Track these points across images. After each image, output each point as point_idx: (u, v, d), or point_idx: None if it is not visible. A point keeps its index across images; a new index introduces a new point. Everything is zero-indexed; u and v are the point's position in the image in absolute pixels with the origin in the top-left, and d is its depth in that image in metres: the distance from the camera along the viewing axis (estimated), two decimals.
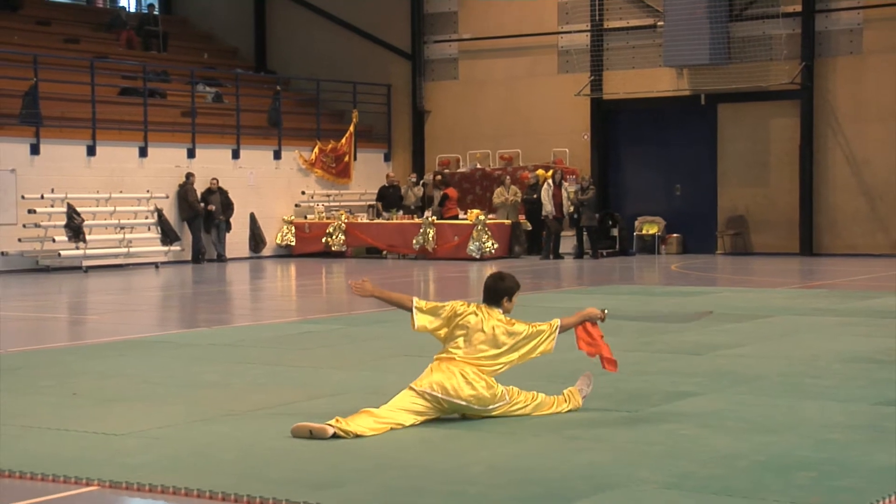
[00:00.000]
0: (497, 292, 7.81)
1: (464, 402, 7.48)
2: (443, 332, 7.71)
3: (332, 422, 7.06)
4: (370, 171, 28.92)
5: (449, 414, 7.53)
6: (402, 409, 7.39)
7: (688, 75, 26.59)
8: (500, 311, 7.76)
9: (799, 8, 25.48)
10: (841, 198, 25.45)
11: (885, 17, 24.99)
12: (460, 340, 7.62)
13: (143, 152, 24.40)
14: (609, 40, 27.38)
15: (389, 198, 27.49)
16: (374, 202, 27.56)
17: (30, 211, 22.04)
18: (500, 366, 7.66)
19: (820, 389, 8.67)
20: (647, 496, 5.79)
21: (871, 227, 25.25)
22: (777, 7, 25.55)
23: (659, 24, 26.40)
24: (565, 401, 7.88)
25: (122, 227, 23.60)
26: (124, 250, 23.49)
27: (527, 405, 7.74)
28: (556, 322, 7.80)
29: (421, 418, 7.41)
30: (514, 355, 7.69)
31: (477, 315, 7.69)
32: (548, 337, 7.75)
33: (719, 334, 11.92)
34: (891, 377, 9.19)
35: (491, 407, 7.58)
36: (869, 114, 25.21)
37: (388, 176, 28.40)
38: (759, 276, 20.88)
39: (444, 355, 7.65)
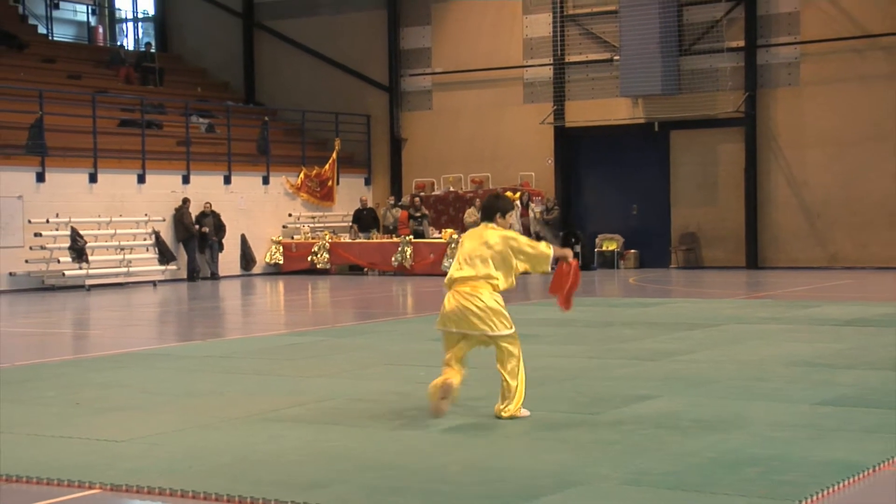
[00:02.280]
0: (491, 209, 7.85)
1: (471, 322, 7.53)
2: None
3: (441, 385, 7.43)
4: (352, 195, 28.87)
5: (473, 335, 7.60)
6: (449, 351, 7.66)
7: (642, 105, 26.69)
8: (495, 225, 7.78)
9: (742, 43, 25.63)
10: (783, 216, 25.56)
11: (820, 51, 25.17)
12: (462, 261, 7.68)
13: (141, 179, 24.28)
14: (570, 73, 27.46)
15: (364, 220, 27.42)
16: (350, 224, 27.48)
17: (36, 234, 21.88)
18: (498, 277, 7.61)
19: (765, 391, 8.68)
20: (608, 492, 5.78)
21: (810, 243, 25.37)
22: (722, 42, 25.69)
23: (615, 58, 26.50)
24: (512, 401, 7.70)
25: (122, 249, 23.46)
26: (124, 270, 23.35)
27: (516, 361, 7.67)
28: (549, 252, 7.74)
29: (464, 346, 7.65)
30: (512, 263, 7.64)
31: (471, 237, 7.77)
32: (545, 261, 7.72)
33: (674, 342, 11.94)
34: (829, 379, 9.23)
35: (498, 327, 7.55)
36: (806, 139, 25.36)
37: (361, 199, 28.35)
38: (709, 288, 20.94)
39: (450, 282, 7.68)
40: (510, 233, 7.79)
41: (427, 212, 26.88)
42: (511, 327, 7.68)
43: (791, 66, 25.48)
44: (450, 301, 7.69)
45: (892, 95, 24.48)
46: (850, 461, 6.26)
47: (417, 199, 27.29)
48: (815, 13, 25.18)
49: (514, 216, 25.08)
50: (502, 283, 7.72)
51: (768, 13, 25.59)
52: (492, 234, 7.72)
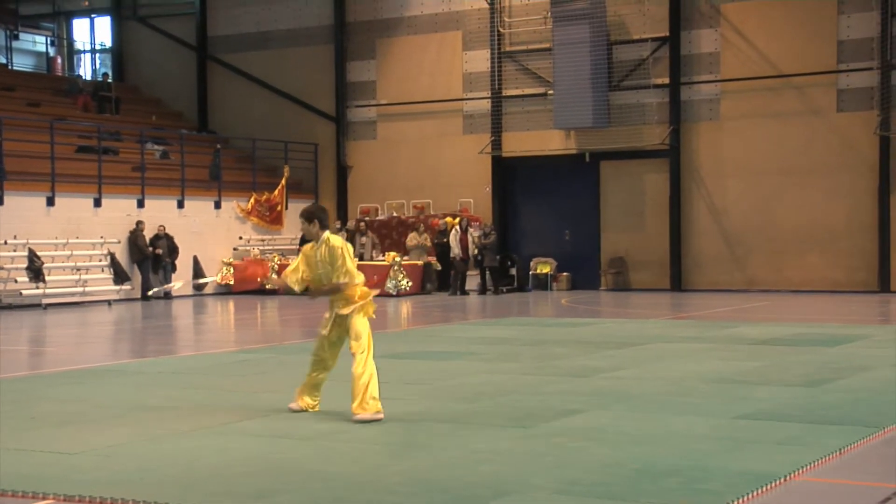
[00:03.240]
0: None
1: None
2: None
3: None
4: (299, 219, 28.71)
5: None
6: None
7: (575, 136, 26.93)
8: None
9: (667, 80, 25.99)
10: (704, 241, 25.90)
11: (739, 89, 25.60)
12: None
13: (97, 203, 23.99)
14: (507, 106, 27.65)
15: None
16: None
17: None
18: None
19: (687, 406, 8.77)
20: (541, 501, 5.80)
21: (730, 267, 25.72)
22: (649, 79, 26.04)
23: (549, 92, 26.74)
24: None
25: (79, 269, 23.13)
26: (80, 289, 23.02)
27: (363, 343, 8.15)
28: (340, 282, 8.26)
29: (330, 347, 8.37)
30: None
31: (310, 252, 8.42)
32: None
33: (602, 359, 12.02)
34: (747, 395, 9.34)
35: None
36: (726, 170, 25.75)
37: None
38: (636, 309, 21.13)
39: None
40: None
41: (372, 235, 26.85)
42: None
43: (712, 102, 25.89)
44: None
45: (802, 130, 24.98)
46: (765, 471, 6.35)
47: (363, 223, 27.26)
48: (735, 54, 25.63)
49: (454, 238, 25.38)
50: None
51: (691, 53, 25.99)
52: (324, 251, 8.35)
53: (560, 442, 7.28)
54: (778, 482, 6.16)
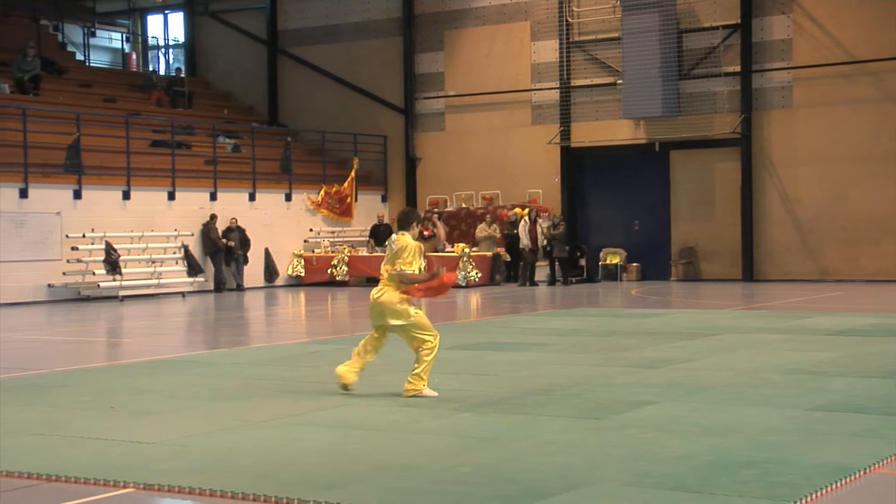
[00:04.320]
0: (404, 220, 9.08)
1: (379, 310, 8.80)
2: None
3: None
4: (369, 211, 28.91)
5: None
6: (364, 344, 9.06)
7: (644, 126, 26.68)
8: (410, 235, 8.89)
9: (738, 68, 25.61)
10: (776, 231, 25.50)
11: (811, 76, 25.14)
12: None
13: (171, 196, 24.36)
14: (575, 96, 27.48)
15: (380, 235, 27.42)
16: (368, 238, 27.53)
17: (73, 248, 21.97)
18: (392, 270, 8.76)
19: (761, 397, 8.65)
20: (612, 493, 5.77)
21: (803, 256, 25.30)
22: (720, 67, 25.68)
23: (618, 82, 26.51)
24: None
25: (153, 262, 23.53)
26: (155, 282, 23.41)
27: (426, 340, 8.65)
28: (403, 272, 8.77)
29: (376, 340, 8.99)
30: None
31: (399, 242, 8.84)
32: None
33: (673, 350, 11.91)
34: (821, 386, 9.19)
35: (396, 317, 8.70)
36: (799, 159, 25.31)
37: (378, 215, 28.39)
38: (707, 300, 20.90)
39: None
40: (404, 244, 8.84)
41: (440, 227, 26.88)
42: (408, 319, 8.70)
43: (784, 89, 25.45)
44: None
45: (876, 117, 24.44)
46: (842, 464, 6.24)
47: (435, 215, 27.31)
48: (807, 40, 25.16)
49: (523, 229, 25.33)
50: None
51: (763, 40, 25.57)
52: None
53: (631, 433, 7.23)
54: (856, 475, 6.04)
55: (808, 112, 25.16)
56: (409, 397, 8.64)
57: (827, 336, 13.10)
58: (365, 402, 8.72)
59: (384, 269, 8.90)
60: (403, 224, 9.09)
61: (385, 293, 8.83)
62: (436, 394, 8.70)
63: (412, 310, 8.83)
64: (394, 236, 9.02)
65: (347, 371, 9.05)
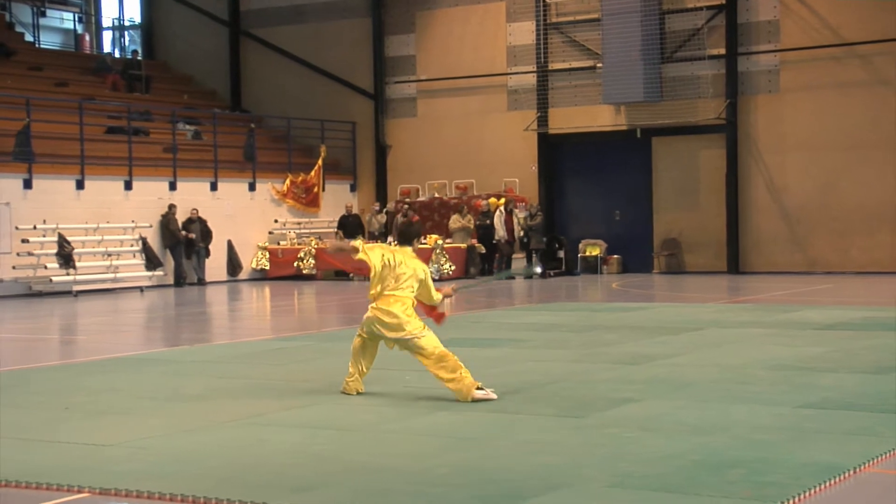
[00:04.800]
0: (409, 235, 9.33)
1: (388, 327, 8.59)
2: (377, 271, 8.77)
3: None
4: (337, 201, 28.85)
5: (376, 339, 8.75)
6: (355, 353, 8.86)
7: (625, 112, 26.76)
8: (412, 249, 8.87)
9: (723, 51, 25.72)
10: (763, 221, 25.65)
11: (799, 59, 25.28)
12: (391, 280, 8.68)
13: (128, 186, 24.21)
14: (553, 80, 27.51)
15: (349, 226, 27.40)
16: (336, 230, 27.47)
17: (23, 241, 21.78)
18: (412, 295, 8.72)
19: (748, 394, 8.70)
20: (594, 494, 5.79)
21: (790, 248, 25.46)
22: (703, 50, 25.77)
23: (598, 65, 26.56)
24: (462, 380, 8.40)
25: (109, 255, 23.37)
26: (111, 276, 23.26)
27: (433, 353, 8.48)
28: (439, 296, 8.98)
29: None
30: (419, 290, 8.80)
31: (396, 257, 8.74)
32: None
33: (656, 346, 11.96)
34: (810, 382, 9.25)
35: (405, 331, 8.53)
36: (786, 145, 25.46)
37: (346, 206, 28.33)
38: (691, 293, 21.00)
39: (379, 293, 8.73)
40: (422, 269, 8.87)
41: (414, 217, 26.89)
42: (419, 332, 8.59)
43: (771, 73, 25.59)
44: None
45: (868, 102, 24.61)
46: (832, 463, 6.29)
47: (406, 205, 27.30)
48: (795, 21, 25.30)
49: (498, 220, 25.37)
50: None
51: (748, 21, 25.69)
52: (419, 267, 8.81)
53: (613, 432, 7.26)
54: (847, 474, 6.09)
55: (795, 96, 25.31)
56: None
57: (816, 330, 13.19)
58: (334, 400, 8.70)
59: (409, 293, 8.67)
60: (407, 239, 9.25)
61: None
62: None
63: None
64: (402, 257, 8.75)
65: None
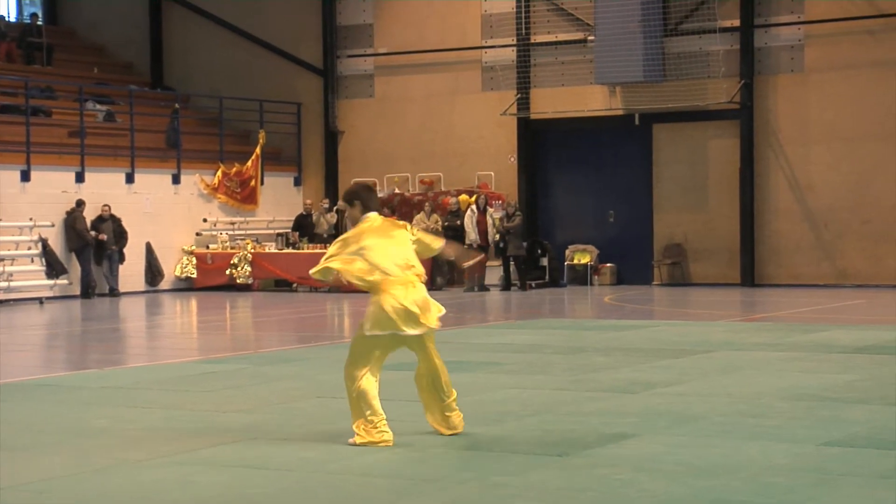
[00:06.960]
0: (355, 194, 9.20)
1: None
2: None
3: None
4: (279, 197, 28.84)
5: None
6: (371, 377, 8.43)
7: (620, 93, 26.90)
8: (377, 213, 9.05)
9: (737, 22, 25.91)
10: (784, 225, 25.85)
11: (827, 32, 25.49)
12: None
13: (25, 176, 24.09)
14: (536, 56, 27.63)
15: (308, 227, 27.40)
16: (291, 231, 27.44)
17: None
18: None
19: (762, 430, 8.77)
20: None
21: (816, 256, 25.67)
22: (714, 21, 25.95)
23: (589, 38, 26.70)
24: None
25: (2, 260, 23.25)
26: (4, 284, 23.14)
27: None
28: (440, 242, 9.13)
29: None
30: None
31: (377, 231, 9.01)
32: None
33: (656, 371, 12.03)
34: (837, 416, 9.34)
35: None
36: (812, 135, 25.67)
37: (305, 203, 28.31)
38: (698, 309, 21.11)
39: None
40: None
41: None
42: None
43: (794, 49, 25.81)
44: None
45: None
46: None
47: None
48: None
49: (469, 220, 25.43)
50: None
51: None
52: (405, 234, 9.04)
53: (604, 474, 7.31)
54: None
55: (823, 77, 25.53)
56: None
57: (844, 354, 13.31)
58: (272, 435, 8.71)
59: (411, 268, 8.85)
60: (367, 202, 9.14)
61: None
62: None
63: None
64: (378, 218, 9.06)
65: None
